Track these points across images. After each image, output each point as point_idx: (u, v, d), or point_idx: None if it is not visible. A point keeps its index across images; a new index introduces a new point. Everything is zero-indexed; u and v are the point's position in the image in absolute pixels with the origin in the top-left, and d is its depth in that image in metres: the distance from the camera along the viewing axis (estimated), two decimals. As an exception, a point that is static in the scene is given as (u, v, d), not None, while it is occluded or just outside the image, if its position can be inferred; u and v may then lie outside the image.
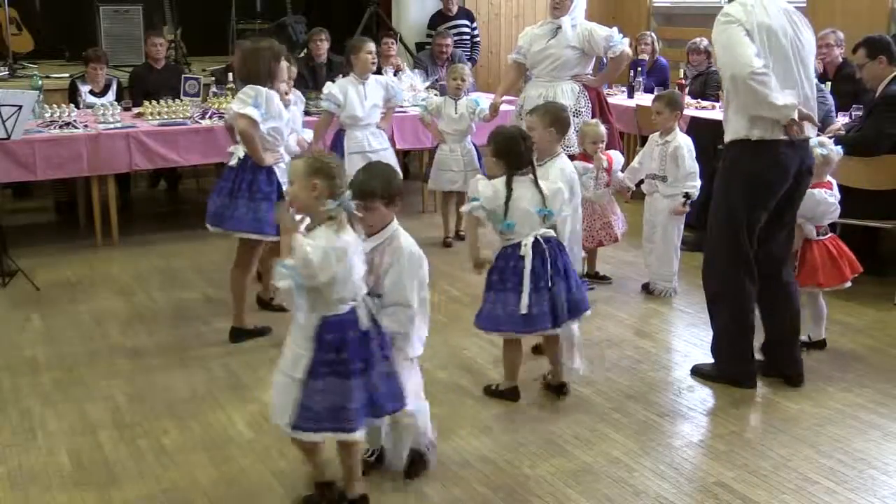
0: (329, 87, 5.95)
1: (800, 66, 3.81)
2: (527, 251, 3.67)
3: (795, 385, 4.06)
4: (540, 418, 3.77)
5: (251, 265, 4.62)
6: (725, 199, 3.94)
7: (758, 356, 4.14)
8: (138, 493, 3.23)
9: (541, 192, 3.72)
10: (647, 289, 5.37)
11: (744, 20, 3.71)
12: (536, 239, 3.70)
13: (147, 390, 4.08)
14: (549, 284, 3.69)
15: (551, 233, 3.76)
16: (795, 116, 3.70)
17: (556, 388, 3.96)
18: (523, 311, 3.65)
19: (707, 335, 4.75)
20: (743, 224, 3.89)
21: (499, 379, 4.15)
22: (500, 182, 3.72)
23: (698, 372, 4.21)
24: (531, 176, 3.74)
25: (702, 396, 4.02)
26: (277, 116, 4.39)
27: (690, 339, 4.73)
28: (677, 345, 4.66)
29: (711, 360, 4.20)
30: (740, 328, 4.02)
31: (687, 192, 5.15)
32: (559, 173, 4.05)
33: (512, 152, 3.72)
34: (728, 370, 4.09)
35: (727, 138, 3.91)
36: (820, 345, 4.47)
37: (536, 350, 4.28)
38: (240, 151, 4.42)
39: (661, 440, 3.62)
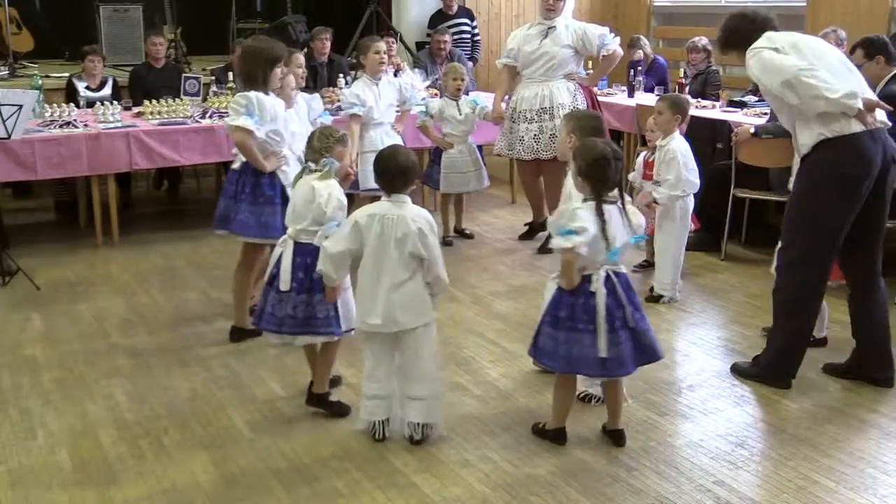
0: (352, 90, 5.92)
1: (840, 62, 3.85)
2: (598, 287, 3.30)
3: (884, 387, 4.05)
4: (540, 417, 3.77)
5: (254, 266, 4.61)
6: (809, 200, 3.88)
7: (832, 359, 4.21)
8: (138, 493, 3.23)
9: (628, 217, 3.37)
10: (651, 290, 5.34)
11: (768, 45, 3.82)
12: (608, 273, 3.35)
13: (147, 390, 4.08)
14: (630, 324, 3.34)
15: (622, 268, 3.41)
16: (860, 105, 3.70)
17: (613, 435, 3.58)
18: (602, 354, 3.29)
19: (708, 334, 4.77)
20: (828, 225, 3.85)
21: (500, 379, 4.16)
22: (589, 209, 3.32)
23: (737, 370, 4.23)
24: (619, 203, 3.37)
25: (702, 396, 4.02)
26: (273, 119, 4.36)
27: (691, 338, 4.74)
28: (678, 344, 4.66)
29: (746, 360, 4.27)
30: (800, 327, 4.03)
31: (655, 199, 5.14)
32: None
33: (605, 174, 3.31)
34: (772, 366, 4.07)
35: (806, 149, 3.85)
36: (821, 343, 4.47)
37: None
38: (242, 155, 4.43)
39: (662, 439, 3.62)
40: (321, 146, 3.64)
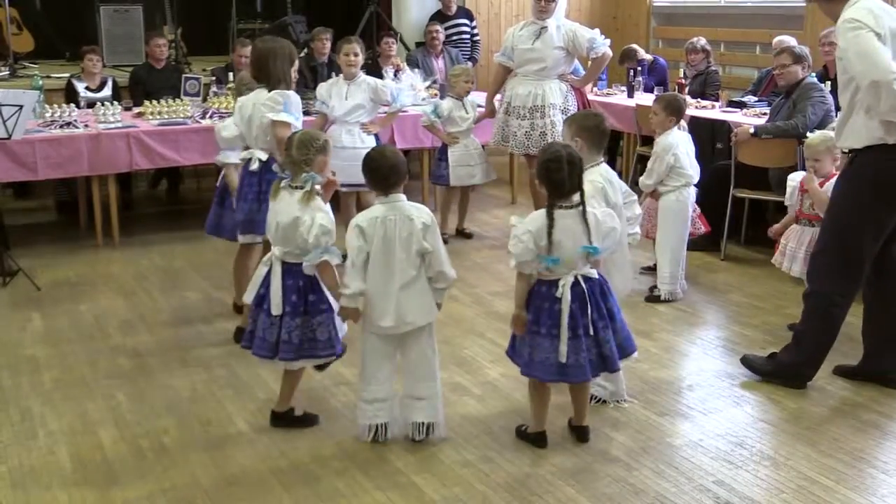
0: (318, 88, 6.00)
1: None
2: (564, 293, 3.28)
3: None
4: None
5: (255, 261, 4.61)
6: (853, 201, 3.82)
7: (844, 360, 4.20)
8: (139, 493, 3.23)
9: (587, 226, 3.30)
10: (651, 291, 5.34)
11: (873, 25, 3.56)
12: (576, 279, 3.32)
13: (148, 389, 4.08)
14: (592, 331, 3.32)
15: (593, 273, 3.37)
16: None
17: (577, 431, 3.60)
18: (562, 360, 3.29)
19: (707, 334, 4.77)
20: (871, 230, 3.81)
21: (500, 379, 4.16)
22: (540, 215, 3.31)
23: (749, 364, 4.21)
24: (579, 208, 3.30)
25: (701, 396, 4.02)
26: (299, 118, 4.39)
27: (690, 337, 4.74)
28: (677, 344, 4.66)
29: (759, 353, 4.26)
30: (831, 331, 3.99)
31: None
32: (589, 188, 3.53)
33: (553, 179, 3.27)
34: (796, 367, 4.05)
35: (857, 144, 3.76)
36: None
37: None
38: (260, 154, 4.36)
39: (661, 439, 3.62)
40: (301, 158, 3.47)
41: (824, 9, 3.89)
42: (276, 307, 3.47)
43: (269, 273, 3.53)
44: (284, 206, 3.49)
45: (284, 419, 3.70)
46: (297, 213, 3.44)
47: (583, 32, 5.97)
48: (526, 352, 3.41)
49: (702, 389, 4.09)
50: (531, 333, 3.37)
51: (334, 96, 5.90)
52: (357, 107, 5.91)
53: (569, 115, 5.77)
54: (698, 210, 5.42)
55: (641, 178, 5.23)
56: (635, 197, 4.00)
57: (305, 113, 5.99)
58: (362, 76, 5.97)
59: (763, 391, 4.05)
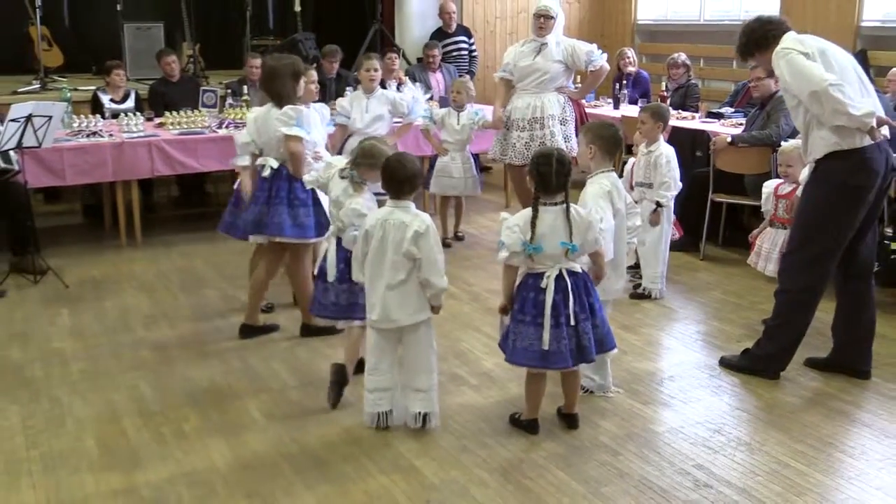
0: (340, 101, 6.03)
1: (857, 76, 3.78)
2: (549, 284, 3.31)
3: (863, 379, 4.04)
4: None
5: (277, 269, 4.62)
6: (820, 208, 3.84)
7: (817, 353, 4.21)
8: (160, 476, 3.24)
9: (570, 223, 3.32)
10: (636, 289, 5.33)
11: (800, 48, 3.68)
12: (560, 272, 3.34)
13: (169, 380, 4.09)
14: (573, 322, 3.33)
15: (577, 267, 3.39)
16: (874, 123, 3.66)
17: (567, 419, 3.61)
18: (545, 346, 3.31)
19: (688, 329, 4.78)
20: (836, 231, 3.83)
21: (495, 369, 4.17)
22: (526, 211, 3.36)
23: (726, 363, 4.22)
24: (563, 206, 3.33)
25: (682, 386, 4.03)
26: (309, 130, 4.40)
27: (672, 332, 4.75)
28: (660, 338, 4.67)
29: (736, 347, 4.27)
30: (801, 326, 4.00)
31: (658, 201, 5.13)
32: (597, 189, 3.72)
33: (541, 172, 3.30)
34: (769, 360, 4.06)
35: (818, 154, 3.79)
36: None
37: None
38: (272, 162, 4.37)
39: (644, 426, 3.63)
40: (358, 161, 3.75)
41: (759, 60, 3.99)
42: (331, 274, 3.78)
43: (328, 248, 3.85)
44: (333, 188, 3.85)
45: (339, 373, 3.80)
46: (338, 194, 3.79)
47: (581, 46, 5.97)
48: (510, 340, 3.42)
49: (683, 380, 4.10)
50: (516, 322, 3.39)
51: (355, 109, 5.91)
52: (376, 118, 5.93)
53: (567, 124, 5.81)
54: (674, 217, 5.44)
55: (664, 194, 5.10)
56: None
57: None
58: (380, 90, 6.01)
59: (739, 382, 4.06)
